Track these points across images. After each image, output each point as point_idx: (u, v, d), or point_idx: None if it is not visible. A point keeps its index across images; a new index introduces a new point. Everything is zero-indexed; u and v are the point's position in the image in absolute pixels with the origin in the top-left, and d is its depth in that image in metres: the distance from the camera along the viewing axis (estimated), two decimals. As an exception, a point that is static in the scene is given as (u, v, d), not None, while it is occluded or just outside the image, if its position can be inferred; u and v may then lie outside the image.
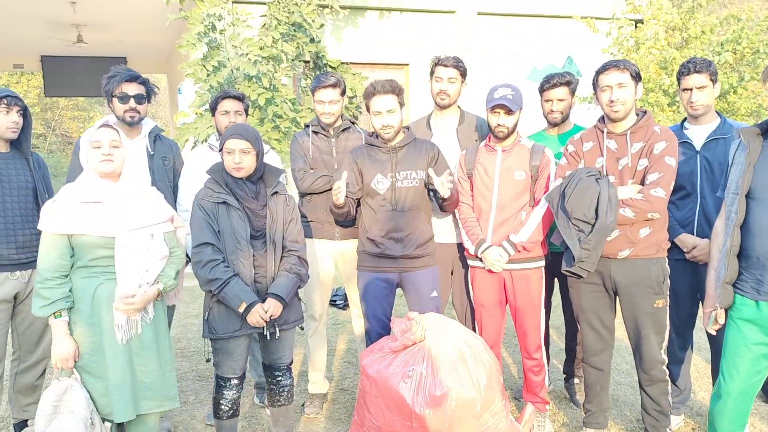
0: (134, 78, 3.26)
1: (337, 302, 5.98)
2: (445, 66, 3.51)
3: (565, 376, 3.87)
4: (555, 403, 3.75)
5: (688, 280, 3.21)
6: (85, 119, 25.23)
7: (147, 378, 2.67)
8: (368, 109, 3.22)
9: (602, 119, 3.03)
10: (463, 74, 3.55)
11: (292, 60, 6.59)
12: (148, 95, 3.33)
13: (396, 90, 3.17)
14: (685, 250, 3.14)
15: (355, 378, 4.15)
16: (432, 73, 3.56)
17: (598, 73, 2.96)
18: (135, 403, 2.63)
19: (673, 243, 3.08)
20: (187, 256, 3.47)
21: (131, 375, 2.62)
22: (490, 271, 3.24)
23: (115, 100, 3.25)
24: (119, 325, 2.58)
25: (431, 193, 3.27)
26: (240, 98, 3.49)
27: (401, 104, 3.21)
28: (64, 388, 2.53)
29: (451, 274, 3.60)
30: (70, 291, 2.57)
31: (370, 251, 3.27)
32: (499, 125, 3.16)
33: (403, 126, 3.28)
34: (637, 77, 2.92)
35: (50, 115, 24.61)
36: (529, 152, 3.21)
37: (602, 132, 3.00)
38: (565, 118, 3.63)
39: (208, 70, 5.95)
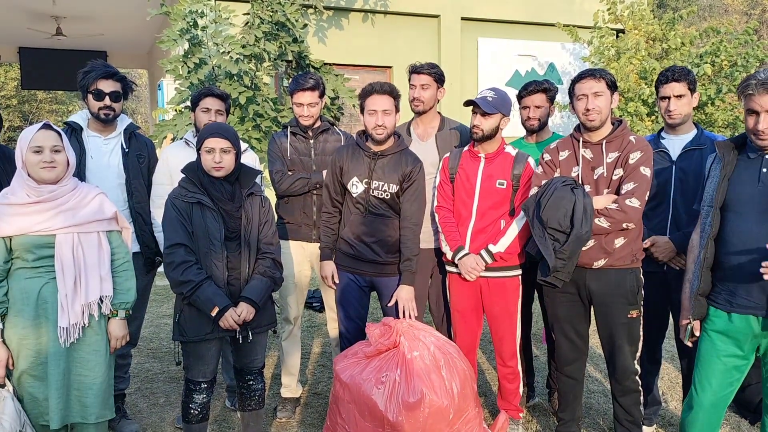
0: (111, 74, 3.19)
1: (314, 304, 5.94)
2: (418, 73, 3.51)
3: (548, 390, 3.85)
4: (529, 411, 3.75)
5: (659, 292, 3.22)
6: (63, 113, 24.87)
7: (93, 384, 2.61)
8: (362, 110, 3.20)
9: (578, 128, 3.04)
10: (438, 80, 3.54)
11: (275, 59, 6.54)
12: (124, 92, 3.27)
13: (394, 93, 3.17)
14: (645, 246, 3.14)
15: (329, 382, 4.11)
16: (409, 76, 3.56)
17: (574, 81, 2.97)
18: (70, 411, 2.57)
19: (646, 255, 3.09)
20: (160, 255, 3.43)
21: (69, 380, 2.56)
22: (463, 277, 3.23)
23: (90, 96, 3.18)
24: (63, 328, 2.51)
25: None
26: (223, 97, 3.43)
27: (397, 108, 3.20)
28: None
29: (431, 278, 3.60)
30: (5, 296, 2.51)
31: (345, 251, 3.27)
32: (474, 125, 3.16)
33: (395, 133, 3.27)
34: (613, 86, 2.93)
35: (28, 108, 24.20)
36: (512, 161, 3.20)
37: (578, 141, 3.01)
38: (542, 126, 3.63)
39: (189, 67, 5.88)
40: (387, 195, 3.19)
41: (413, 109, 3.59)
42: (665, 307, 3.28)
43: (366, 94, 3.17)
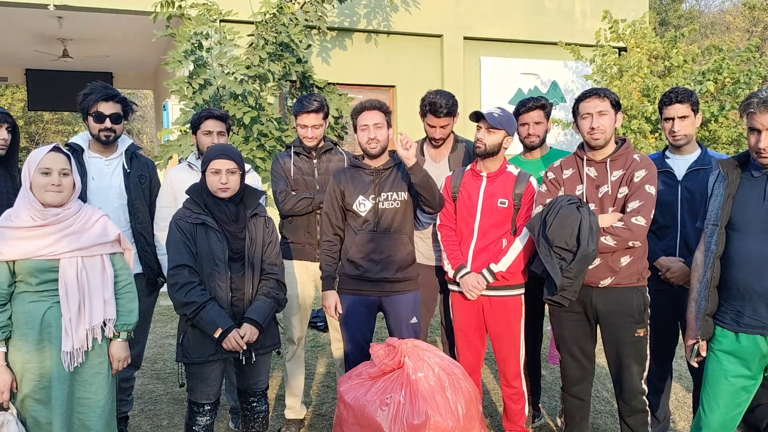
0: (111, 96, 3.20)
1: (318, 324, 5.91)
2: (438, 116, 3.44)
3: (561, 408, 3.79)
4: (535, 431, 3.70)
5: (668, 310, 3.19)
6: (69, 133, 25.07)
7: (96, 406, 2.58)
8: (355, 128, 3.22)
9: (582, 147, 3.04)
10: (455, 113, 3.51)
11: (279, 79, 6.58)
12: (125, 113, 3.28)
13: (383, 108, 3.18)
14: (660, 272, 3.14)
15: (333, 403, 4.08)
16: (424, 114, 3.51)
17: (579, 100, 2.98)
18: None
19: (652, 273, 3.08)
20: (164, 276, 3.42)
21: (72, 403, 2.54)
22: (465, 296, 3.21)
23: (90, 118, 3.19)
24: (66, 352, 2.50)
25: (415, 200, 3.21)
26: (223, 118, 3.45)
27: (388, 123, 3.20)
28: None
29: (440, 293, 3.58)
30: (9, 320, 2.48)
31: (350, 273, 3.24)
32: (477, 139, 3.16)
33: (389, 150, 3.27)
34: (617, 106, 2.94)
35: (34, 129, 24.43)
36: (513, 180, 3.20)
37: (582, 159, 3.01)
38: (542, 142, 3.64)
39: (194, 88, 5.92)
40: (398, 204, 3.19)
41: (433, 144, 3.59)
42: (675, 325, 3.25)
43: (357, 111, 3.20)
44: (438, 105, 3.42)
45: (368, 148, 3.17)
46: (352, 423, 2.85)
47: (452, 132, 3.67)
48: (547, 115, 3.63)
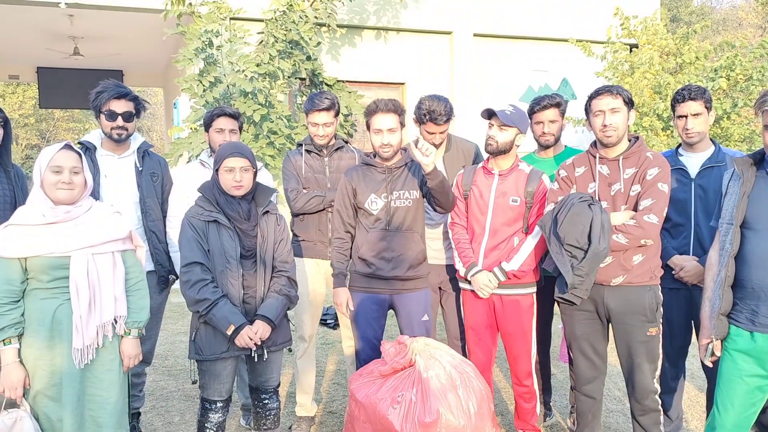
0: (123, 95, 3.22)
1: (328, 321, 5.92)
2: (438, 124, 3.39)
3: (571, 407, 3.79)
4: (546, 430, 3.69)
5: (682, 309, 3.18)
6: (80, 131, 25.21)
7: (107, 403, 2.59)
8: (368, 127, 3.20)
9: (594, 144, 3.02)
10: (452, 116, 3.47)
11: (289, 77, 6.59)
12: (137, 112, 3.29)
13: (398, 110, 3.16)
14: (674, 271, 3.12)
15: (344, 400, 4.09)
16: (422, 122, 3.45)
17: (591, 98, 2.96)
18: (84, 430, 2.55)
19: (666, 272, 3.05)
20: (175, 273, 3.44)
21: (83, 400, 2.55)
22: (477, 295, 3.20)
23: (102, 116, 3.21)
24: (77, 349, 2.50)
25: (427, 199, 3.20)
26: (235, 116, 3.46)
27: (402, 124, 3.19)
28: (12, 421, 2.43)
29: (441, 299, 3.57)
30: (22, 316, 2.49)
31: (361, 271, 3.24)
32: (489, 137, 3.15)
33: (401, 147, 3.27)
34: (629, 103, 2.92)
35: (45, 126, 24.57)
36: (526, 178, 3.19)
37: (594, 157, 2.99)
38: (557, 140, 3.62)
39: (204, 86, 5.94)
40: (410, 202, 3.19)
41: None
42: (689, 324, 3.23)
43: (371, 112, 3.17)
44: (438, 113, 3.37)
45: (381, 152, 3.17)
46: (364, 421, 2.86)
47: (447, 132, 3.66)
48: (562, 113, 3.61)
